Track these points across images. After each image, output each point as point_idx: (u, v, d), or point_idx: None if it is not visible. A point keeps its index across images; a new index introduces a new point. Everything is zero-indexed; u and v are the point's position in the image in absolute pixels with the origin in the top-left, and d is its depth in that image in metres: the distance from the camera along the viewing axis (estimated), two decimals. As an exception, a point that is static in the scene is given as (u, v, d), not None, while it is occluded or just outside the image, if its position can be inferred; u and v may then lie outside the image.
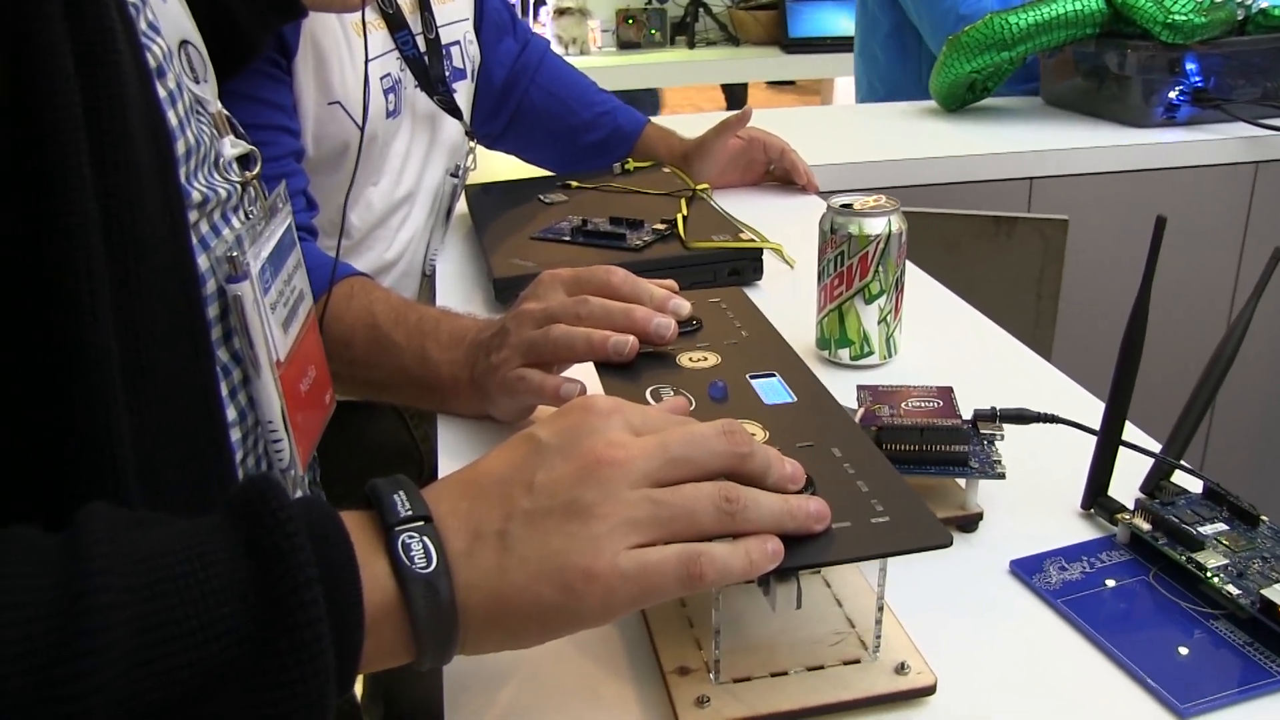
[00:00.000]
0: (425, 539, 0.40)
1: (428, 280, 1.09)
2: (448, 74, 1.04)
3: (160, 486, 0.42)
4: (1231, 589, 0.52)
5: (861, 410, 0.63)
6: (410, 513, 0.41)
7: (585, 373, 0.66)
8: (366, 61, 0.91)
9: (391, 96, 0.95)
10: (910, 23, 1.84)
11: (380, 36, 0.95)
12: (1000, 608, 0.54)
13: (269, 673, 0.36)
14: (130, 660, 0.33)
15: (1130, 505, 0.59)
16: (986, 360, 0.84)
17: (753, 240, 1.00)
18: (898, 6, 1.85)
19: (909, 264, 0.83)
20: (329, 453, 1.00)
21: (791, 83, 6.55)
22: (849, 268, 0.79)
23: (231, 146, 0.53)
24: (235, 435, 0.50)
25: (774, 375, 0.60)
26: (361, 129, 0.91)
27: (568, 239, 1.00)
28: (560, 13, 3.35)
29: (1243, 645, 0.50)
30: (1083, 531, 0.60)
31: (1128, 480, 0.61)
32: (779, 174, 1.30)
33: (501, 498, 0.42)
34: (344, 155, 0.92)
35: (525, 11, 3.23)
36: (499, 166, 1.41)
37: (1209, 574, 0.53)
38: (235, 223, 0.52)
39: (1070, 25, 1.54)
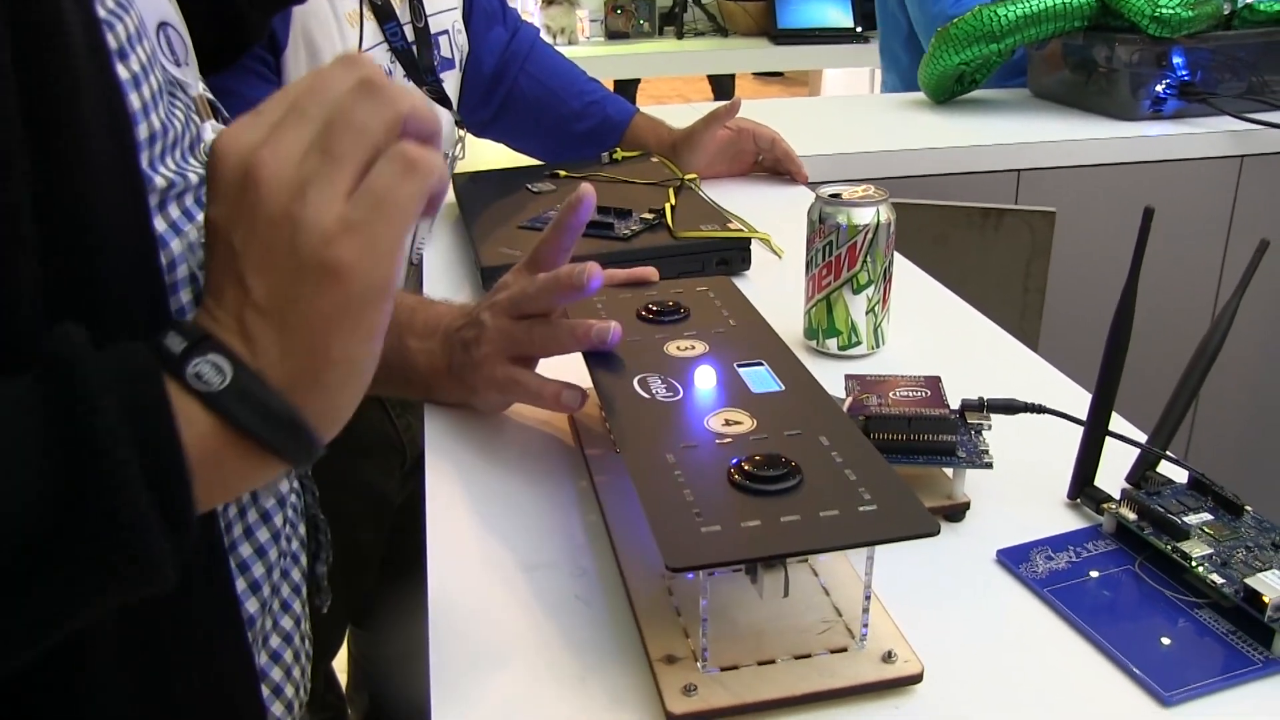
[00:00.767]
0: (211, 356, 0.38)
1: (415, 269, 1.09)
2: (436, 63, 1.03)
3: None
4: (1216, 578, 0.52)
5: (849, 399, 0.63)
6: (186, 343, 0.38)
7: (571, 361, 0.66)
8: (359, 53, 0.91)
9: None
10: None
11: (370, 28, 0.94)
12: (987, 597, 0.54)
13: (79, 525, 0.34)
14: None
15: (1116, 495, 0.59)
16: (974, 351, 0.84)
17: (741, 230, 1.00)
18: None
19: (896, 255, 0.83)
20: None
21: (779, 74, 6.56)
22: (837, 258, 0.79)
23: (213, 131, 0.52)
24: None
25: (761, 364, 0.60)
26: None
27: (556, 228, 1.00)
28: (549, 2, 3.34)
29: (1226, 634, 0.51)
30: (1069, 521, 0.60)
31: (1114, 471, 0.61)
32: (768, 164, 1.30)
33: (233, 279, 0.39)
34: None
35: None
36: (487, 155, 1.41)
37: (1194, 563, 0.53)
38: None
39: (1058, 18, 1.54)
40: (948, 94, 1.71)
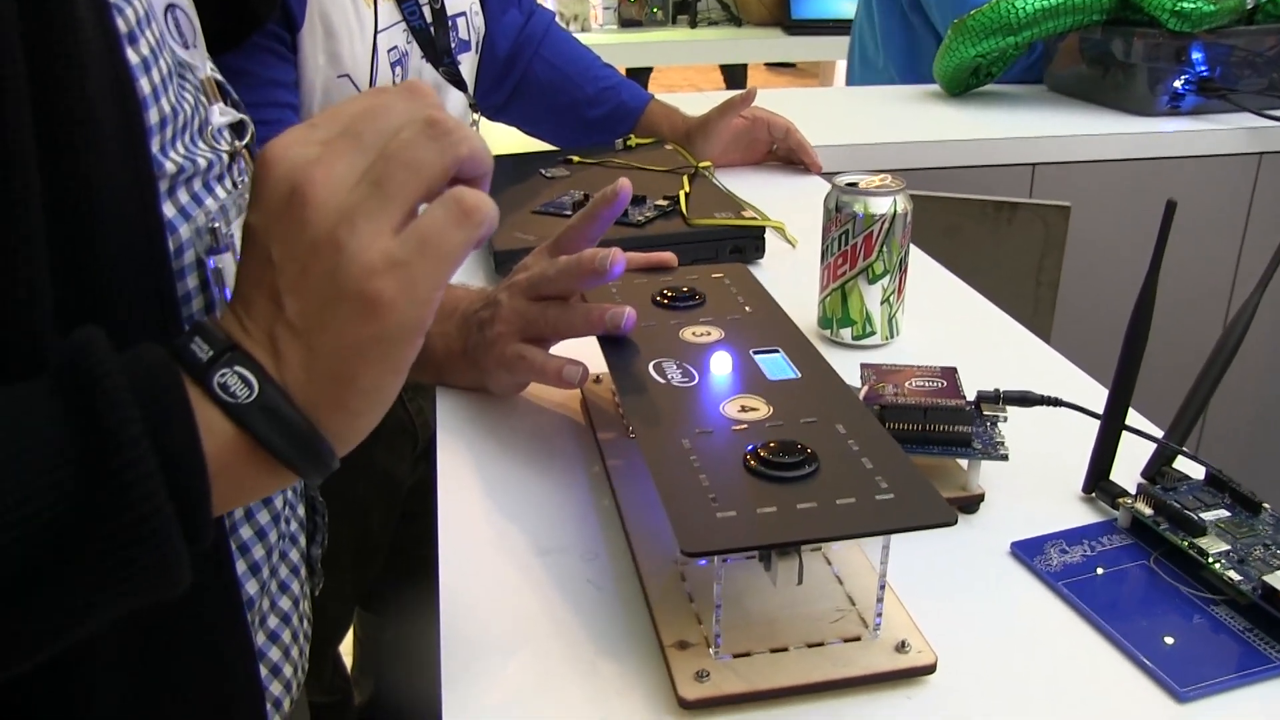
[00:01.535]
0: (238, 369, 0.38)
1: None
2: (453, 45, 1.03)
3: None
4: (1233, 575, 0.52)
5: (865, 388, 0.63)
6: (212, 351, 0.38)
7: (586, 346, 0.65)
8: (376, 33, 0.90)
9: (399, 69, 0.95)
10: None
11: (388, 8, 0.94)
12: (1001, 589, 0.54)
13: (102, 535, 0.34)
14: None
15: (1132, 490, 0.59)
16: (988, 343, 0.83)
17: (755, 218, 1.00)
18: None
19: (911, 246, 0.82)
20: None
21: (791, 65, 6.53)
22: (853, 247, 0.78)
23: (221, 114, 0.52)
24: None
25: (778, 351, 0.59)
26: None
27: (569, 213, 1.00)
28: (562, -12, 3.33)
29: (1242, 631, 0.50)
30: (1084, 515, 0.60)
31: (1129, 465, 0.60)
32: (782, 153, 1.29)
33: (266, 294, 0.39)
34: None
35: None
36: (501, 139, 1.40)
37: (1210, 559, 0.53)
38: (220, 192, 0.51)
39: (1077, 11, 1.53)
40: (963, 86, 1.70)
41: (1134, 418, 0.63)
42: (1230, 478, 0.58)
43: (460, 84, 1.03)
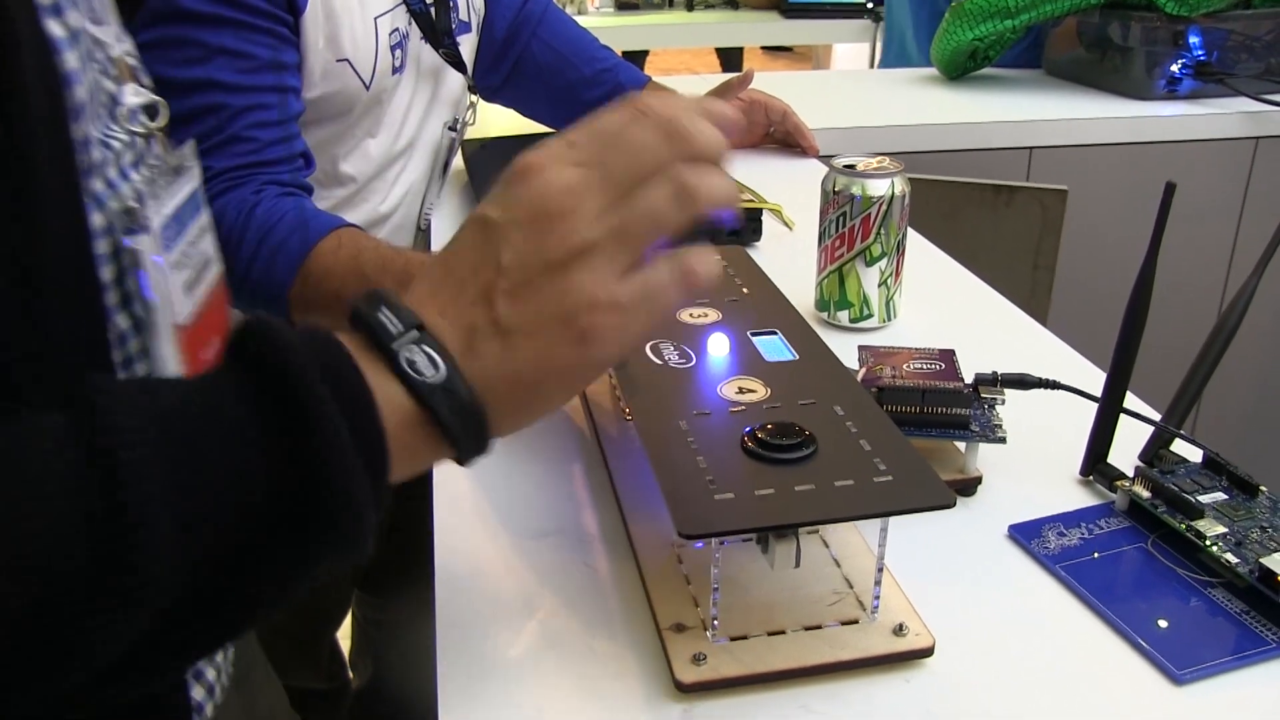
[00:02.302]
0: (425, 348, 0.39)
1: (423, 235, 1.08)
2: (453, 26, 1.02)
3: None
4: (1230, 557, 0.52)
5: (863, 370, 0.62)
6: (402, 327, 0.40)
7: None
8: (377, 16, 0.89)
9: (398, 52, 0.94)
10: None
11: None
12: (998, 572, 0.54)
13: (307, 516, 0.36)
14: (174, 524, 0.33)
15: (1129, 473, 0.59)
16: (986, 326, 0.83)
17: (752, 201, 0.99)
18: None
19: (909, 229, 0.82)
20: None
21: (787, 49, 6.51)
22: (851, 229, 0.78)
23: (134, 95, 0.50)
24: None
25: (775, 333, 0.59)
26: (368, 86, 0.90)
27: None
28: (558, -30, 3.30)
29: (1239, 613, 0.50)
30: (1082, 498, 0.60)
31: (1126, 448, 0.60)
32: (779, 137, 1.28)
33: (480, 288, 0.41)
34: (348, 111, 0.91)
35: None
36: (497, 121, 1.39)
37: (1208, 542, 0.53)
38: (135, 177, 0.48)
39: (1075, -6, 1.52)
40: (960, 70, 1.69)
41: (1131, 400, 0.63)
42: (1228, 460, 0.58)
43: (460, 66, 1.02)
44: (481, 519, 0.59)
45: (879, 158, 0.80)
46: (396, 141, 0.98)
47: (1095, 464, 0.60)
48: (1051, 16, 1.57)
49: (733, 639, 0.47)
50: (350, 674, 1.36)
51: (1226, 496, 0.56)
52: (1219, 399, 1.63)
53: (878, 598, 0.49)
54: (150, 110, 0.50)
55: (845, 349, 0.65)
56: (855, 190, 0.77)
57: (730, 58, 5.40)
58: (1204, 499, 0.56)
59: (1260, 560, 0.50)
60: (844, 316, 0.81)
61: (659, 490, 0.45)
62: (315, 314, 0.76)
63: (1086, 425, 0.60)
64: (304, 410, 0.35)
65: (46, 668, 0.32)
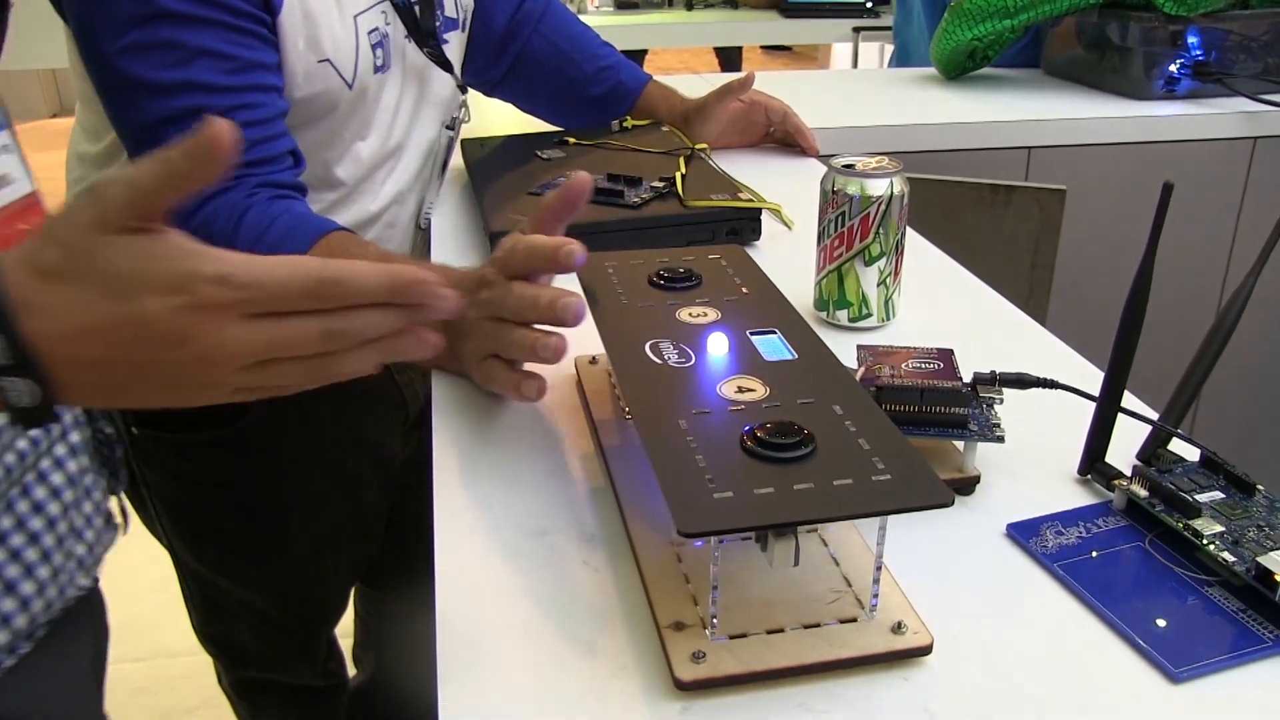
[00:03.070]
0: None
1: (423, 234, 1.08)
2: (439, 24, 1.02)
3: None
4: (1227, 556, 0.52)
5: (861, 370, 0.63)
6: None
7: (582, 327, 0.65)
8: (356, 15, 0.89)
9: (379, 51, 0.93)
10: None
11: None
12: (996, 571, 0.54)
13: None
14: None
15: (1127, 472, 0.59)
16: (984, 325, 0.83)
17: (751, 200, 0.99)
18: None
19: (907, 228, 0.82)
20: (315, 404, 0.99)
21: (787, 48, 6.52)
22: (850, 229, 0.78)
23: None
24: None
25: (774, 332, 0.59)
26: (350, 85, 0.89)
27: (564, 195, 0.99)
28: (557, -31, 3.30)
29: (1236, 611, 0.51)
30: (1079, 497, 0.60)
31: (1124, 448, 0.61)
32: (779, 136, 1.29)
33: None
34: (332, 111, 0.91)
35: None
36: (497, 117, 1.39)
37: (1205, 541, 0.53)
38: None
39: (1074, -6, 1.52)
40: (959, 70, 1.69)
41: (1128, 400, 0.63)
42: (1225, 460, 0.58)
43: (446, 65, 1.02)
44: (480, 519, 0.59)
45: (878, 157, 0.80)
46: (386, 142, 0.98)
47: (1093, 463, 0.60)
48: (1050, 16, 1.57)
49: (732, 637, 0.47)
50: (349, 670, 1.36)
51: (1224, 495, 0.56)
52: (1216, 398, 1.64)
53: (876, 596, 0.49)
54: None
55: (844, 348, 0.66)
56: (854, 190, 0.77)
57: (730, 57, 5.41)
58: (1201, 498, 0.56)
59: (1257, 559, 0.50)
60: (843, 316, 0.81)
61: (658, 489, 0.45)
62: None
63: (1084, 424, 0.61)
64: None
65: None
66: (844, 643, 0.47)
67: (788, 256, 0.95)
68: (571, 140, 1.16)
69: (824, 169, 0.80)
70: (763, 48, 6.46)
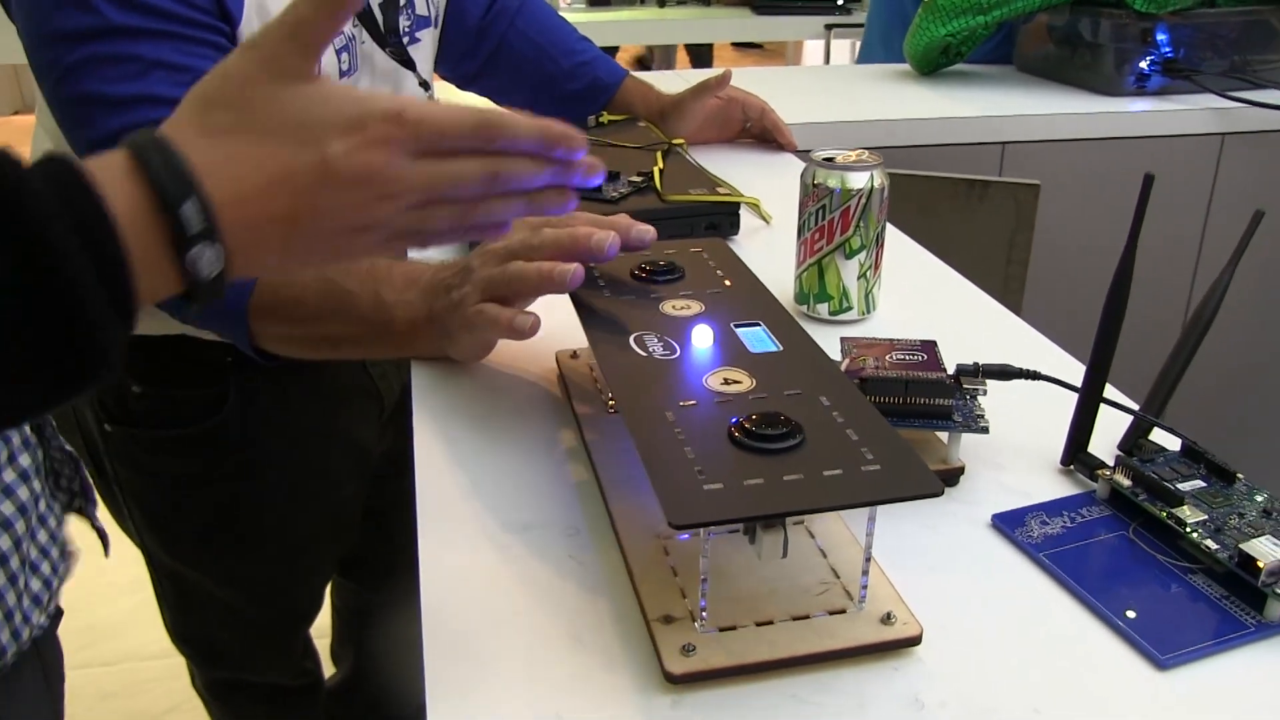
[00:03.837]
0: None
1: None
2: (409, 23, 1.00)
3: None
4: (1210, 544, 0.52)
5: (846, 361, 0.62)
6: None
7: (567, 322, 0.65)
8: None
9: (345, 55, 0.92)
10: None
11: None
12: (983, 561, 0.54)
13: (44, 331, 0.37)
14: None
15: (1110, 462, 0.59)
16: (964, 318, 0.84)
17: (729, 194, 0.99)
18: None
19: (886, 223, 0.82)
20: (290, 398, 0.98)
21: (758, 45, 6.53)
22: (830, 222, 0.78)
23: None
24: None
25: (758, 324, 0.59)
26: None
27: (542, 189, 0.99)
28: (528, -34, 3.29)
29: (1219, 598, 0.51)
30: (1063, 487, 0.60)
31: (1106, 438, 0.61)
32: (756, 132, 1.29)
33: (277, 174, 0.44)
34: None
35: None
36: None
37: (1188, 529, 0.53)
38: None
39: (1045, -9, 1.53)
40: (933, 65, 1.70)
41: (1109, 391, 0.63)
42: (1205, 449, 0.59)
43: (408, 64, 1.01)
44: (464, 514, 0.58)
45: (858, 150, 0.80)
46: None
47: (1076, 453, 0.61)
48: (1022, 13, 1.58)
49: (721, 630, 0.47)
50: (324, 669, 1.35)
51: (1205, 484, 0.57)
52: (1195, 388, 1.65)
53: (865, 587, 0.49)
54: None
55: (825, 341, 0.65)
56: (834, 183, 0.77)
57: (701, 54, 5.41)
58: (1183, 487, 0.56)
59: (1239, 546, 0.51)
60: (823, 309, 0.81)
61: (646, 481, 0.45)
62: (275, 323, 0.74)
63: (1067, 416, 0.61)
64: (34, 236, 0.37)
65: None
66: (834, 634, 0.47)
67: (766, 251, 0.95)
68: (548, 135, 1.15)
69: (801, 164, 0.80)
70: (734, 45, 6.47)
